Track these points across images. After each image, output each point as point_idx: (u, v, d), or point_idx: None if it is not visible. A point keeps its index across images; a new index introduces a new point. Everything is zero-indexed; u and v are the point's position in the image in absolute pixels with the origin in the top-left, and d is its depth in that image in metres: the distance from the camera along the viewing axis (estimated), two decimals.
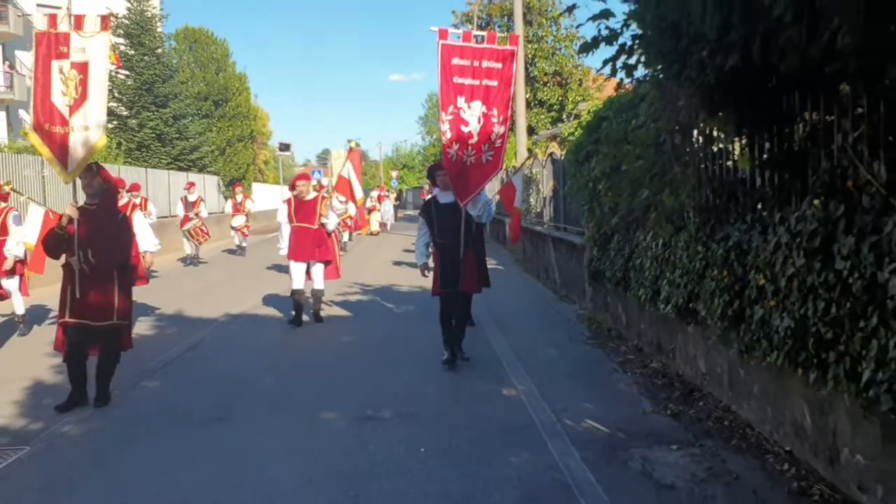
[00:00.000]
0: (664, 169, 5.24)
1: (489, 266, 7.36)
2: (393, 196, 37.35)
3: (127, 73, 26.68)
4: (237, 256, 18.17)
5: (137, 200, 11.77)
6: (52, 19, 5.68)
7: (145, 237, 7.44)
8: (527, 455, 4.33)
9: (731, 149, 4.85)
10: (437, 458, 4.32)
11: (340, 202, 14.94)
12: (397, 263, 15.37)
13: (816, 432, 3.89)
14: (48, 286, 10.53)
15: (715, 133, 4.96)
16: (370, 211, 26.41)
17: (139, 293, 8.32)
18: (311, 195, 8.94)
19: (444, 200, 6.77)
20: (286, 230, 8.83)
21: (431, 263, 6.99)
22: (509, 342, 7.52)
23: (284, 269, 10.60)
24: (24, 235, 8.09)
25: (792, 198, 4.01)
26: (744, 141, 4.60)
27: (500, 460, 4.25)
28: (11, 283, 8.20)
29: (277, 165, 51.54)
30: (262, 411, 5.35)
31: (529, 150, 16.21)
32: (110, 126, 23.41)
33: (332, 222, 8.90)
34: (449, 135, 6.61)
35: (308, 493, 3.86)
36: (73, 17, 5.63)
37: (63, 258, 5.53)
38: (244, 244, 18.60)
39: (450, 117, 6.60)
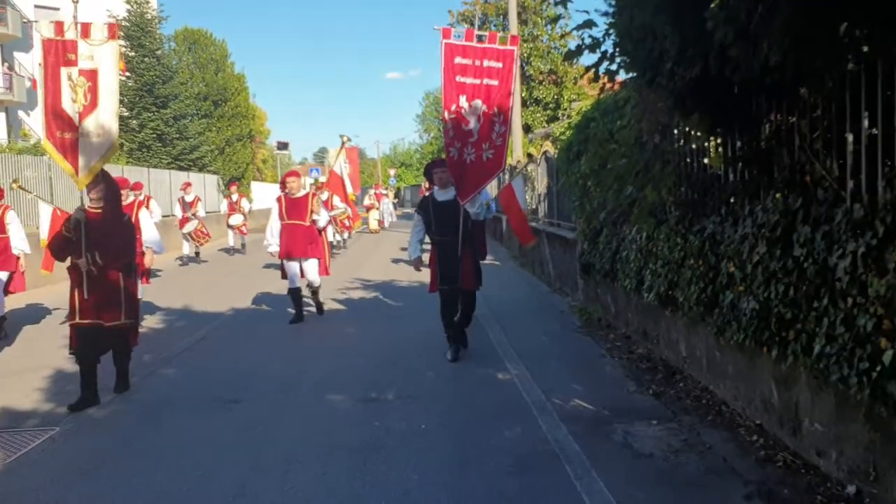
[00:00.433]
0: (647, 166, 5.61)
1: (486, 262, 7.63)
2: (392, 194, 37.65)
3: (128, 74, 26.98)
4: (238, 255, 18.36)
5: (142, 198, 12.02)
6: (59, 26, 5.74)
7: (150, 235, 7.70)
8: (519, 429, 4.73)
9: (706, 147, 5.24)
10: (437, 432, 4.71)
11: (341, 202, 15.26)
12: (396, 261, 15.69)
13: (782, 406, 4.28)
14: (48, 286, 10.91)
15: (692, 132, 5.35)
16: (368, 209, 26.73)
17: (145, 291, 8.60)
18: (303, 192, 8.94)
19: (441, 198, 6.85)
20: (276, 227, 8.75)
21: (425, 259, 7.15)
22: (505, 332, 7.90)
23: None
24: (23, 238, 8.40)
25: (760, 192, 4.41)
26: (717, 140, 4.99)
27: (494, 434, 4.65)
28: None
29: (276, 164, 51.84)
30: (274, 393, 5.73)
31: (530, 156, 16.54)
32: None
33: (322, 219, 8.83)
34: (451, 133, 6.71)
35: (321, 460, 4.26)
36: (79, 25, 5.70)
37: (69, 261, 5.64)
38: (243, 242, 18.75)
39: (452, 116, 6.68)
